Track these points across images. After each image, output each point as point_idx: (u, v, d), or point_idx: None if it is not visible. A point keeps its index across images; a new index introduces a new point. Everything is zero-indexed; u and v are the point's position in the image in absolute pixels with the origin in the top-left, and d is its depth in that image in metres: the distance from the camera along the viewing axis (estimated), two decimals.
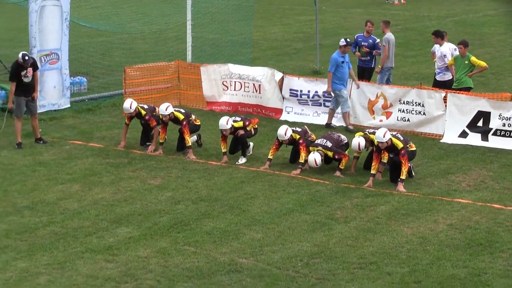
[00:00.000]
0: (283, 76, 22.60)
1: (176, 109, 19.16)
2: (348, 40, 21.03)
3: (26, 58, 18.93)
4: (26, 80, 19.07)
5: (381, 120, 20.58)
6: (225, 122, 18.06)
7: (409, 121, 20.44)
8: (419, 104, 20.39)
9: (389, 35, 22.84)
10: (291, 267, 12.71)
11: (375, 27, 23.92)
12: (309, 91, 22.07)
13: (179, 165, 18.12)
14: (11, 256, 13.11)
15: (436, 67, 21.73)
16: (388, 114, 20.59)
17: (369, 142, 17.13)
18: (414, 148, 17.27)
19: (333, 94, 20.94)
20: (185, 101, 23.44)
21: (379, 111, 20.70)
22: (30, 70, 19.07)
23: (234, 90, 23.03)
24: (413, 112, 20.51)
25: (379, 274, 12.45)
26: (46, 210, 15.29)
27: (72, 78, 24.11)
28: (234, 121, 18.38)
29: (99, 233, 14.15)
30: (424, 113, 20.41)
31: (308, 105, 21.97)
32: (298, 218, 14.89)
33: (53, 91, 22.38)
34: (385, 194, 16.14)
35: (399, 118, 20.49)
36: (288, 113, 22.13)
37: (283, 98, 22.38)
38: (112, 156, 18.71)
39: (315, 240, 13.79)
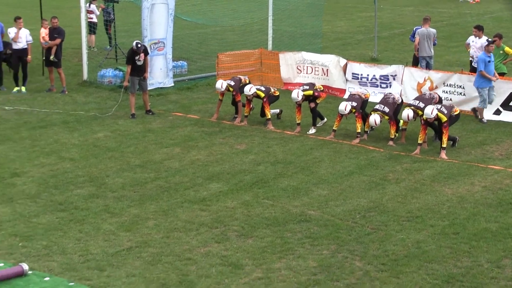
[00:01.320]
0: (346, 62, 22.45)
1: (257, 87, 19.21)
2: (489, 39, 20.08)
3: (139, 45, 19.21)
4: (138, 63, 19.35)
5: None
6: (296, 95, 18.12)
7: (451, 100, 20.04)
8: (460, 86, 20.09)
9: (423, 29, 22.34)
10: (351, 219, 12.71)
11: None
12: (368, 75, 21.89)
13: (260, 133, 18.17)
14: (126, 204, 13.36)
15: (475, 56, 21.33)
16: None
17: (416, 114, 16.96)
18: (458, 112, 17.05)
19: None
20: (266, 82, 23.37)
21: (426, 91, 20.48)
22: (142, 55, 19.33)
23: (306, 73, 22.97)
24: (455, 93, 20.21)
25: (424, 226, 12.38)
26: (154, 168, 15.51)
27: (175, 62, 24.28)
28: (304, 90, 18.38)
29: (195, 187, 14.31)
30: (464, 94, 20.07)
31: (367, 86, 21.75)
32: (357, 179, 14.86)
33: (160, 72, 22.60)
34: (430, 160, 15.98)
35: (443, 98, 20.20)
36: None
37: (346, 80, 22.24)
38: (206, 125, 18.84)
39: (370, 197, 13.75)
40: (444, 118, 16.22)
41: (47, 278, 10.60)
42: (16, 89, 22.15)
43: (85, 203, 13.41)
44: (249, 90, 18.87)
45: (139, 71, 19.52)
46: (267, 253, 11.41)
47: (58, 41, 21.85)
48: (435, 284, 10.39)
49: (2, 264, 10.97)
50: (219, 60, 23.12)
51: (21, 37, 21.84)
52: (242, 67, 23.39)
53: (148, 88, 20.43)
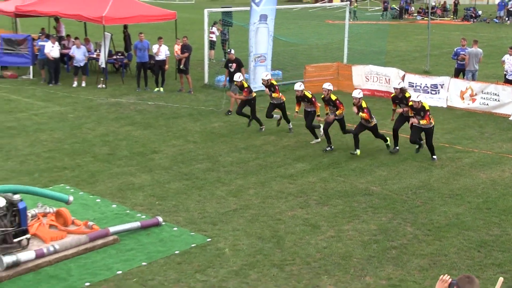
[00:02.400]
0: (404, 74, 21.92)
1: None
2: None
3: (229, 50, 19.49)
4: (231, 69, 19.53)
5: (468, 104, 19.72)
6: (299, 86, 16.21)
7: (487, 105, 19.36)
8: (495, 94, 19.27)
9: (472, 49, 21.57)
10: (404, 194, 12.48)
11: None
12: (421, 83, 21.20)
13: (336, 127, 17.89)
14: (233, 176, 13.48)
15: (509, 70, 20.48)
16: (473, 100, 19.66)
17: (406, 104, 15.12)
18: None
19: None
20: (341, 88, 23.05)
21: (467, 98, 19.78)
22: (234, 64, 19.46)
23: (373, 82, 22.51)
24: (491, 99, 19.42)
25: (462, 202, 12.03)
26: (254, 150, 15.53)
27: (272, 71, 24.22)
28: (305, 90, 16.17)
29: (285, 166, 14.28)
30: (498, 100, 19.25)
31: (420, 93, 21.19)
32: (410, 163, 14.53)
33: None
34: (469, 151, 15.47)
35: (481, 103, 19.48)
36: None
37: None
38: (295, 120, 18.66)
39: (420, 178, 13.45)
40: (427, 107, 14.52)
41: (175, 228, 10.83)
42: (156, 89, 22.64)
43: (204, 175, 13.60)
44: (265, 76, 17.27)
45: (232, 78, 19.43)
46: (339, 217, 11.33)
47: (186, 54, 22.17)
48: (470, 247, 10.11)
49: (144, 216, 11.27)
50: (306, 70, 23.00)
51: (161, 52, 22.28)
52: (323, 76, 23.12)
53: (254, 91, 20.36)
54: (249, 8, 22.12)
